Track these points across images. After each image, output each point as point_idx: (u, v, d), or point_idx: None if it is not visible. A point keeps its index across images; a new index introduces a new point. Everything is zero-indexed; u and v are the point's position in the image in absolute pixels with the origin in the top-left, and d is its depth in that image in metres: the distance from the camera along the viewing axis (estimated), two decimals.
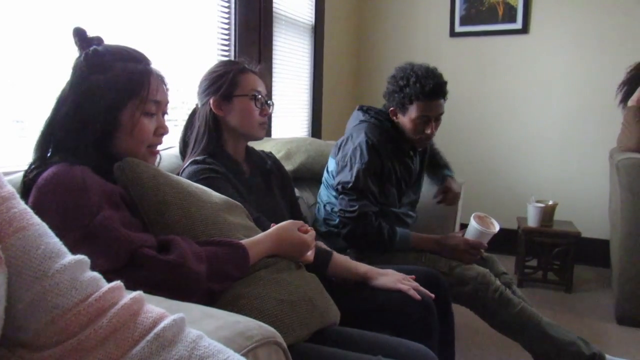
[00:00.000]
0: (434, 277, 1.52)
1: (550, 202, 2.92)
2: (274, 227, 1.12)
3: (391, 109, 1.86)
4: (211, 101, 1.38)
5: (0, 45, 1.37)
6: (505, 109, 3.43)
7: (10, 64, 1.41)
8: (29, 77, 1.45)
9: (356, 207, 1.73)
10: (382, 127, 1.85)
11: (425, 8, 3.58)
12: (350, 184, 1.75)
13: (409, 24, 3.65)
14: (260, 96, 1.41)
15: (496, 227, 1.79)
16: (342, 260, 1.40)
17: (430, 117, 1.80)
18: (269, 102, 1.45)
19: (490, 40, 3.41)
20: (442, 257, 1.75)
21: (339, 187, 1.79)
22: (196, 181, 1.19)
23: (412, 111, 1.80)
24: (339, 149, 1.88)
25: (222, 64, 1.45)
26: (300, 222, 1.18)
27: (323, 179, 1.99)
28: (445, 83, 1.80)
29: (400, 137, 1.87)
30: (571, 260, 2.80)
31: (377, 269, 1.41)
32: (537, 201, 2.91)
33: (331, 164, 1.93)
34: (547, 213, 2.88)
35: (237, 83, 1.38)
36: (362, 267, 1.40)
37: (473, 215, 1.81)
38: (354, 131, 1.86)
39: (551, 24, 3.25)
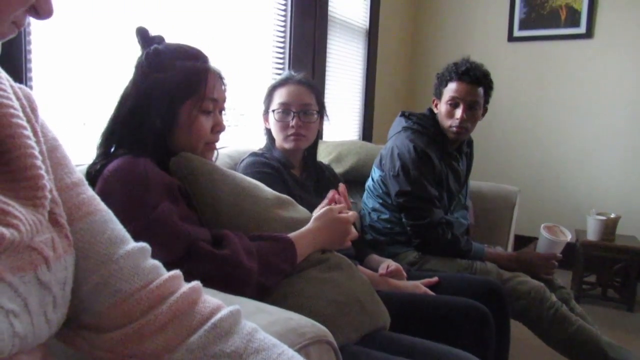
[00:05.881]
0: (495, 287, 1.47)
1: (613, 215, 2.76)
2: (312, 218, 1.11)
3: (433, 99, 1.89)
4: (262, 116, 1.55)
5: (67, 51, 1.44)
6: (566, 117, 3.28)
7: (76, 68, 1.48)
8: (93, 80, 1.52)
9: (428, 219, 1.71)
10: (425, 132, 1.82)
11: (482, 11, 3.49)
12: (412, 193, 1.72)
13: (465, 28, 3.56)
14: (278, 110, 1.47)
15: (567, 236, 1.76)
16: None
17: (460, 100, 1.77)
18: (292, 111, 1.46)
19: (551, 45, 3.28)
20: (499, 269, 1.70)
21: (401, 200, 1.75)
22: (251, 172, 1.32)
23: (446, 94, 1.81)
24: (384, 157, 1.85)
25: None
26: (338, 207, 1.15)
27: (367, 186, 1.96)
28: (482, 71, 1.78)
29: (445, 139, 1.83)
30: (634, 278, 2.64)
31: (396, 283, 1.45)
32: (598, 214, 2.76)
33: (376, 173, 1.90)
34: (609, 226, 2.72)
35: (271, 100, 1.51)
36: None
37: (542, 226, 1.77)
38: (397, 139, 1.82)
39: (617, 28, 3.09)
